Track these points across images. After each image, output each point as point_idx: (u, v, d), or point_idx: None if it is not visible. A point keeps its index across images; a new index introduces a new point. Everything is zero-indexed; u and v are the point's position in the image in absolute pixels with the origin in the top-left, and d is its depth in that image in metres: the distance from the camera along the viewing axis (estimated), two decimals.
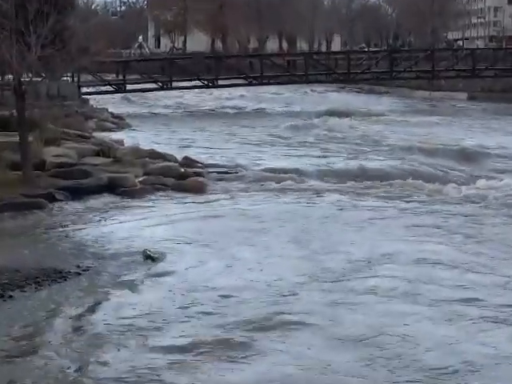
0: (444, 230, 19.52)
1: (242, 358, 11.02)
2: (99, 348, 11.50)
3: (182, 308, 13.09)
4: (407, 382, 10.32)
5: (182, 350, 11.32)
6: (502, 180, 26.16)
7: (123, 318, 12.63)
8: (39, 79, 29.03)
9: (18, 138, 25.01)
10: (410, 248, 17.50)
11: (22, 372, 10.72)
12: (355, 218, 20.86)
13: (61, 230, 19.41)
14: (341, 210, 21.91)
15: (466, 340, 11.84)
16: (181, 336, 11.85)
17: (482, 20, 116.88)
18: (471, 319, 12.77)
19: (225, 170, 27.90)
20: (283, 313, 12.90)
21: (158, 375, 10.52)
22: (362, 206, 22.40)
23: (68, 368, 10.88)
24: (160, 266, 15.71)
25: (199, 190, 24.61)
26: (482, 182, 25.76)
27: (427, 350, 11.37)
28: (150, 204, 22.64)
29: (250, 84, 62.58)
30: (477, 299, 13.77)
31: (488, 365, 11.07)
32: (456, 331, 12.21)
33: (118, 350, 11.35)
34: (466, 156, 31.59)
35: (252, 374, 10.56)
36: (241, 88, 64.93)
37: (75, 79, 51.51)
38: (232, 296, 13.79)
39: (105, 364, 10.91)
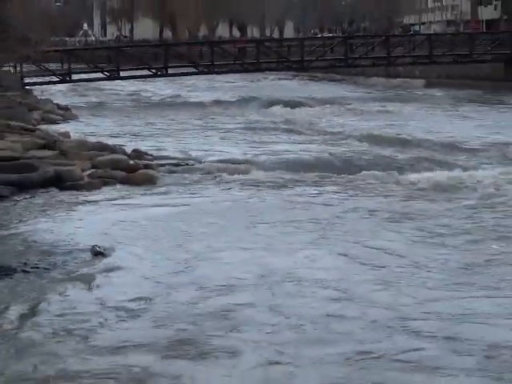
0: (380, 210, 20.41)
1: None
2: (37, 346, 11.55)
3: (131, 301, 13.24)
4: None
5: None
6: (441, 169, 26.46)
7: (69, 314, 12.71)
8: None
9: None
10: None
11: None
12: (303, 204, 21.41)
13: (6, 226, 19.32)
14: (287, 199, 22.27)
15: None
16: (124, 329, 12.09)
17: (439, 4, 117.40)
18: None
19: (176, 162, 27.97)
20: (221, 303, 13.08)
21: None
22: (307, 193, 22.96)
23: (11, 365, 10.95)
24: (108, 262, 15.74)
25: (149, 182, 24.53)
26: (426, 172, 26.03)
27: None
28: (98, 198, 22.54)
29: (200, 73, 62.70)
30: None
31: None
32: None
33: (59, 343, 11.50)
34: (416, 144, 32.25)
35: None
36: (191, 77, 64.54)
37: (17, 69, 51.26)
38: (175, 289, 14.00)
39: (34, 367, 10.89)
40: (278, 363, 10.64)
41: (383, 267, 15.17)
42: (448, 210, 20.73)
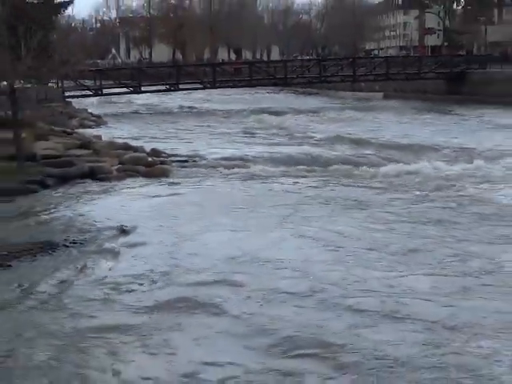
0: (340, 197, 20.24)
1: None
2: (85, 302, 11.64)
3: (150, 271, 13.20)
4: None
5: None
6: (400, 164, 26.34)
7: (103, 280, 12.75)
8: (29, 85, 28.81)
9: (12, 135, 24.97)
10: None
11: (25, 323, 10.82)
12: (286, 191, 21.42)
13: (51, 210, 19.36)
14: (278, 184, 22.43)
15: None
16: (144, 292, 12.09)
17: (394, 33, 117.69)
18: None
19: (185, 158, 27.84)
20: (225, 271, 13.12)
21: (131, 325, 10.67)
22: (286, 184, 22.90)
23: (61, 318, 11.06)
24: (132, 238, 15.74)
25: (164, 175, 24.50)
26: (389, 166, 26.04)
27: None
28: (124, 188, 22.54)
29: (204, 88, 62.50)
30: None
31: None
32: None
33: (101, 303, 11.54)
34: (380, 145, 31.83)
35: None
36: (198, 91, 64.46)
37: (60, 85, 51.15)
38: (183, 259, 14.05)
39: (92, 316, 11.07)
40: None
41: (337, 248, 14.85)
42: (399, 198, 20.53)
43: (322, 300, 11.68)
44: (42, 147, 27.04)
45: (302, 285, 12.43)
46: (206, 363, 9.36)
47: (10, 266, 13.61)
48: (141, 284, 12.60)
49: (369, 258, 14.15)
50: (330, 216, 18.18)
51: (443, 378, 8.92)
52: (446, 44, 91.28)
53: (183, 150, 30.30)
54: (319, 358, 9.58)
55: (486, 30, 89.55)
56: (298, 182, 23.29)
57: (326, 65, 70.59)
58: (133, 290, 12.31)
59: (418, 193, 21.21)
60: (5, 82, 26.73)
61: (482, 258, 13.91)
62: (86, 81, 57.26)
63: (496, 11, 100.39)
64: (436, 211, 18.62)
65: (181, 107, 60.50)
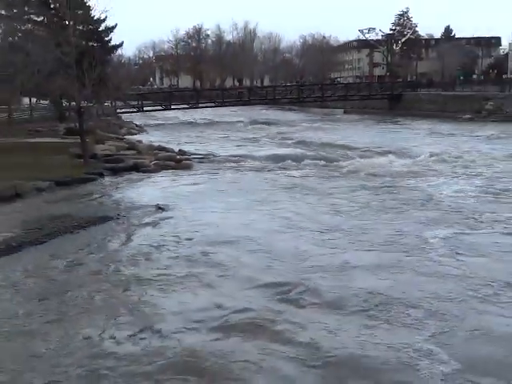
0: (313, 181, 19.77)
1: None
2: (136, 257, 11.78)
3: (178, 239, 13.17)
4: None
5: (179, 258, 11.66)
6: (356, 159, 26.49)
7: (146, 244, 12.78)
8: (91, 105, 28.90)
9: (79, 140, 25.11)
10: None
11: (88, 272, 10.93)
12: (273, 180, 21.16)
13: (107, 193, 19.46)
14: (269, 176, 22.05)
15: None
16: (175, 251, 12.15)
17: (351, 66, 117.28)
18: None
19: (202, 156, 27.94)
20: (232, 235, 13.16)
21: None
22: (277, 174, 22.75)
23: (122, 266, 11.28)
24: (166, 214, 15.73)
25: (188, 168, 24.67)
26: (350, 161, 26.10)
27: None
28: (159, 177, 22.60)
29: (216, 106, 62.18)
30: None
31: None
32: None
33: (145, 259, 11.62)
34: (343, 147, 31.72)
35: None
36: (211, 108, 64.24)
37: (113, 104, 51.21)
38: (204, 229, 14.00)
39: (137, 265, 11.24)
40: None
41: (296, 229, 13.90)
42: (357, 186, 20.15)
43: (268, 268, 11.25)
44: (100, 149, 27.34)
45: (256, 258, 11.82)
46: (214, 298, 9.47)
47: (78, 232, 13.76)
48: (169, 244, 12.69)
49: (319, 237, 13.28)
50: (298, 199, 17.81)
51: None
52: (388, 74, 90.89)
53: (201, 150, 30.41)
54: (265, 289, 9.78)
55: (416, 64, 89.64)
56: (281, 173, 23.23)
57: (303, 89, 70.68)
58: (165, 248, 12.40)
59: (374, 184, 20.48)
60: (74, 103, 26.86)
61: (412, 235, 13.07)
62: (132, 101, 57.27)
63: (423, 50, 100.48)
64: (379, 197, 18.04)
65: (199, 120, 60.48)
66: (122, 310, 9.20)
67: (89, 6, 41.92)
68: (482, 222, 14.44)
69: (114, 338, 8.14)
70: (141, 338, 8.10)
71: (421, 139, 36.84)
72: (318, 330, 8.33)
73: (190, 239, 13.06)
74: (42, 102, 49.14)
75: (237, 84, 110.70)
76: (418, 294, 9.56)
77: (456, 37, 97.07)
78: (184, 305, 9.32)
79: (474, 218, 14.82)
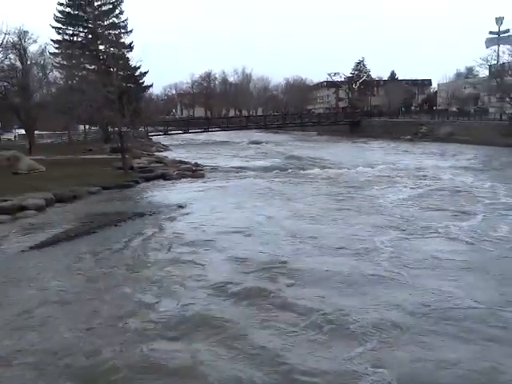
0: (297, 186, 19.62)
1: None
2: (164, 241, 11.56)
3: (195, 229, 13.07)
4: None
5: (193, 244, 11.48)
6: (335, 169, 26.39)
7: (172, 233, 12.69)
8: (129, 130, 28.88)
9: (120, 156, 25.03)
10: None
11: (127, 254, 10.82)
12: (263, 185, 20.75)
13: (141, 195, 19.32)
14: (261, 182, 21.65)
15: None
16: (193, 237, 11.98)
17: (322, 100, 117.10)
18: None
19: (212, 167, 27.70)
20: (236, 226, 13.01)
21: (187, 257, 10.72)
22: (269, 181, 22.30)
23: (157, 250, 11.09)
24: (185, 211, 15.59)
25: (202, 176, 24.34)
26: (329, 169, 25.85)
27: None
28: (180, 183, 22.37)
29: (222, 130, 61.57)
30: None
31: None
32: None
33: (168, 248, 11.37)
34: (315, 160, 31.66)
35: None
36: (218, 132, 63.71)
37: (145, 129, 51.06)
38: (215, 222, 13.82)
39: (167, 251, 11.07)
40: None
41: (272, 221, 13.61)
42: (320, 187, 20.18)
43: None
44: (136, 162, 27.19)
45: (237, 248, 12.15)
46: (217, 274, 9.38)
47: (120, 225, 13.68)
48: (188, 234, 12.54)
49: (284, 224, 13.06)
50: (268, 200, 17.53)
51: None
52: (349, 106, 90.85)
53: (211, 163, 30.08)
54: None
55: (370, 98, 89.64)
56: (268, 180, 22.77)
57: (286, 117, 70.69)
58: (185, 236, 12.27)
59: (332, 187, 20.13)
60: (116, 128, 26.82)
61: (362, 238, 11.56)
62: (159, 127, 56.99)
63: (375, 89, 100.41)
64: (340, 203, 17.03)
65: (209, 141, 60.18)
66: (158, 273, 9.50)
67: (128, 58, 42.24)
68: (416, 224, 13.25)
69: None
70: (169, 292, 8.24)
71: (374, 154, 36.84)
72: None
73: (203, 230, 12.92)
74: (93, 128, 49.19)
75: (238, 113, 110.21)
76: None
77: (399, 79, 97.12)
78: (193, 272, 9.48)
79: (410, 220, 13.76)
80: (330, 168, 26.94)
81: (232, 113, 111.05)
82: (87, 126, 48.62)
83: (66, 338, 6.85)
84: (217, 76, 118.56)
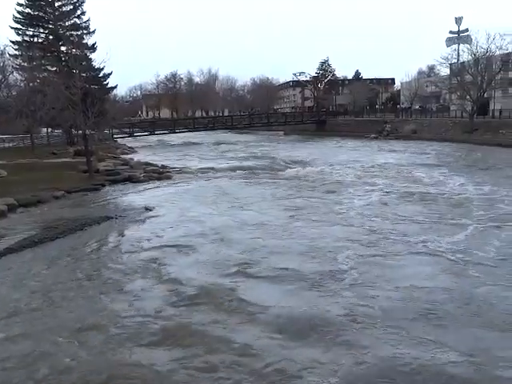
0: (273, 184, 19.86)
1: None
2: (130, 242, 11.58)
3: (162, 231, 13.08)
4: None
5: (163, 245, 11.50)
6: (299, 168, 26.62)
7: (135, 236, 12.61)
8: (94, 132, 28.44)
9: (85, 159, 24.64)
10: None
11: (98, 258, 10.76)
12: (238, 185, 20.88)
13: (107, 199, 19.08)
14: (234, 182, 21.80)
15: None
16: (161, 241, 11.97)
17: (288, 100, 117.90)
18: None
19: (179, 169, 27.51)
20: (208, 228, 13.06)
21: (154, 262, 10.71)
22: (242, 180, 22.43)
23: (120, 249, 11.01)
24: (152, 213, 15.53)
25: (169, 178, 24.19)
26: (294, 169, 26.27)
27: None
28: (147, 186, 22.12)
29: (189, 131, 61.08)
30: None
31: None
32: None
33: (132, 252, 11.36)
34: (286, 160, 31.72)
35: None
36: (185, 133, 63.06)
37: (110, 131, 50.25)
38: (182, 225, 13.83)
39: (133, 251, 11.02)
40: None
41: (258, 219, 14.17)
42: (290, 183, 20.36)
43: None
44: (102, 165, 26.78)
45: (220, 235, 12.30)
46: (191, 274, 9.41)
47: (86, 229, 13.53)
48: (155, 236, 12.53)
49: (267, 217, 13.62)
50: (256, 196, 17.78)
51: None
52: (315, 105, 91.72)
53: (178, 165, 29.84)
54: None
55: (335, 97, 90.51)
56: (249, 178, 23.14)
57: (253, 117, 70.73)
58: (151, 239, 12.26)
59: (304, 181, 20.83)
60: (80, 131, 26.37)
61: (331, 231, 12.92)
62: (125, 129, 56.23)
63: (340, 88, 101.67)
64: (311, 188, 18.29)
65: (176, 142, 59.71)
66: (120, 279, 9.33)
67: (91, 59, 41.52)
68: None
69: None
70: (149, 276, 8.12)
71: (340, 152, 37.37)
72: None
73: (170, 232, 12.92)
74: (56, 130, 48.14)
75: (204, 114, 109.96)
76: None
77: (363, 78, 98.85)
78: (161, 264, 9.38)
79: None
80: (293, 168, 27.18)
81: (198, 114, 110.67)
82: (50, 129, 47.55)
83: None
84: (182, 76, 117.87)
